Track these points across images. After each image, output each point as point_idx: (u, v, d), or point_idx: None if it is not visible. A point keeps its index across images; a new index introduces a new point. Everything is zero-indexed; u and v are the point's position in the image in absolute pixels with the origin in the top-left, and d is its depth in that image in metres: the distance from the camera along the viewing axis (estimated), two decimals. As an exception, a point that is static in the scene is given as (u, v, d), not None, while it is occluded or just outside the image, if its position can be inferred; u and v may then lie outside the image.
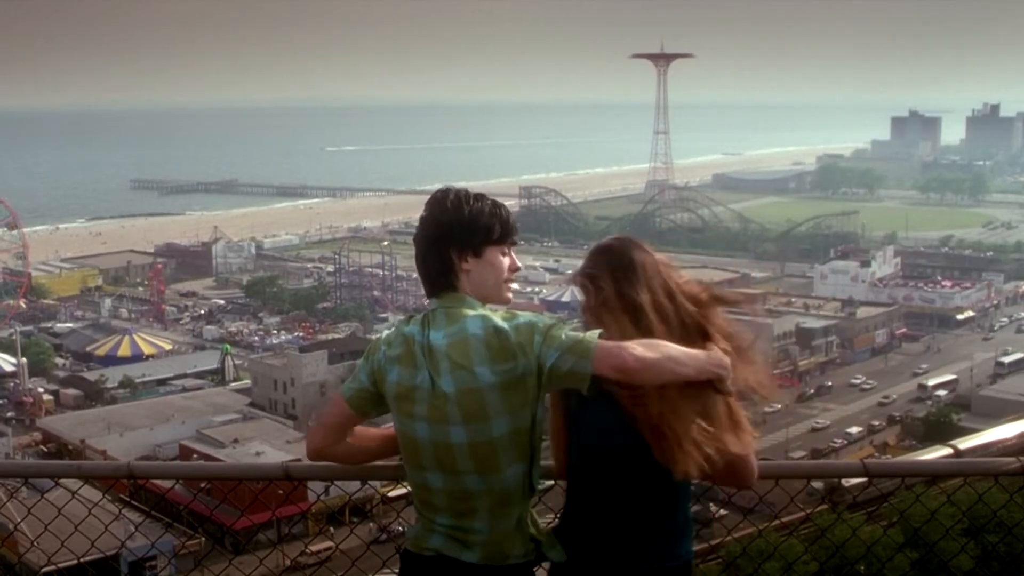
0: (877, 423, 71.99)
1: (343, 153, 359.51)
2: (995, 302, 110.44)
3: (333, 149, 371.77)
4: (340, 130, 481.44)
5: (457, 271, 3.24)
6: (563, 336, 3.10)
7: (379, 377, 3.30)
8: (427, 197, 3.34)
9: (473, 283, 3.25)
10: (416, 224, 3.34)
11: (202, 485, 36.07)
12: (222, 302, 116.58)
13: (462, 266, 3.23)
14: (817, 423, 72.97)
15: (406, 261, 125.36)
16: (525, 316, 3.17)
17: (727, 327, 3.36)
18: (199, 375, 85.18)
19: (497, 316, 3.17)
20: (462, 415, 3.12)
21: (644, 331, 3.19)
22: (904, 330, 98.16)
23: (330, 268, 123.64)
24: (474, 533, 3.22)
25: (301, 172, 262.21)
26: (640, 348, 3.05)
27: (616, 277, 3.30)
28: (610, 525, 3.24)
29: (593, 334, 3.11)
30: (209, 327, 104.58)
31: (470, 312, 3.18)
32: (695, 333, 3.26)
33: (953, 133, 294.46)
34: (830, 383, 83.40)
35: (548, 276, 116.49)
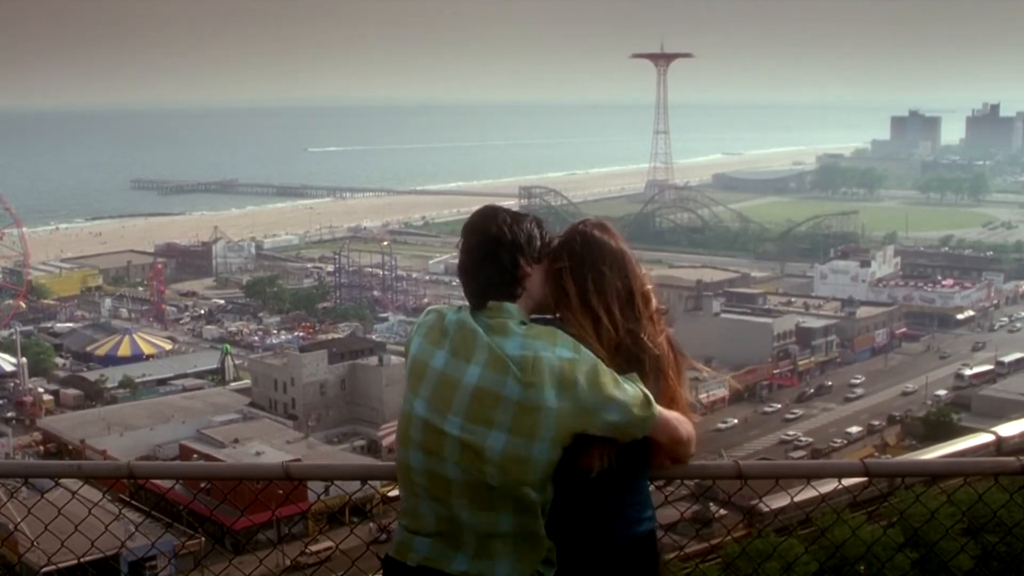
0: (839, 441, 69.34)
1: (331, 153, 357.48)
2: (995, 302, 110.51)
3: (316, 149, 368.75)
4: (340, 130, 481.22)
5: (521, 278, 3.28)
6: (620, 390, 3.16)
7: (407, 344, 3.42)
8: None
9: (532, 289, 3.32)
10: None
11: (202, 485, 36.09)
12: (222, 302, 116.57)
13: (526, 271, 3.29)
14: (908, 387, 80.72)
15: (406, 261, 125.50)
16: (567, 347, 3.16)
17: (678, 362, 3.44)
18: (199, 375, 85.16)
19: (540, 339, 3.16)
20: (466, 411, 3.13)
21: (602, 336, 3.28)
22: (904, 330, 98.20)
23: (330, 268, 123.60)
24: (461, 525, 3.17)
25: (302, 172, 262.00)
26: (687, 424, 3.37)
27: (579, 276, 3.33)
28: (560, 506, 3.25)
29: (648, 397, 3.21)
30: (209, 327, 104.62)
31: (514, 328, 3.19)
32: (633, 351, 3.32)
33: (953, 133, 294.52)
34: (830, 383, 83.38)
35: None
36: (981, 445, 51.30)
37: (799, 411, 76.20)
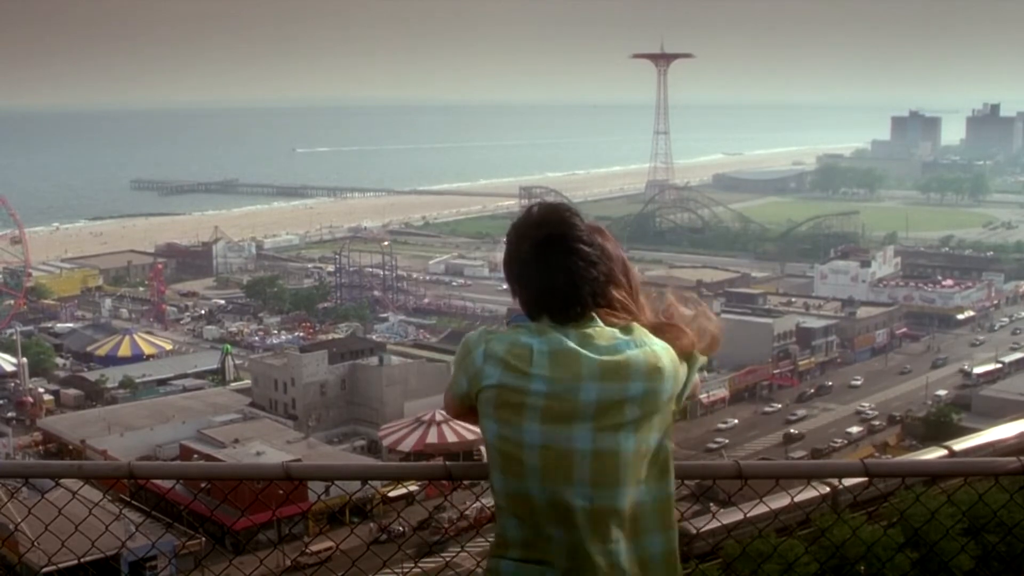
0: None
1: (319, 154, 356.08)
2: (995, 302, 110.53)
3: (303, 150, 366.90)
4: (339, 130, 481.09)
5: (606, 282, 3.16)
6: (694, 355, 3.18)
7: (473, 374, 3.10)
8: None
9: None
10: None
11: (202, 485, 36.09)
12: (222, 302, 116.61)
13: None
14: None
15: (406, 261, 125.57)
16: (650, 335, 3.09)
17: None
18: (199, 375, 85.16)
19: (635, 334, 3.07)
20: (595, 421, 2.95)
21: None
22: (905, 330, 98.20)
23: (330, 268, 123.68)
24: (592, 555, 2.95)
25: (291, 173, 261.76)
26: (713, 318, 3.29)
27: (606, 267, 3.29)
28: None
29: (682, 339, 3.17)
30: (209, 327, 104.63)
31: (618, 334, 3.05)
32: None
33: (953, 133, 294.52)
34: (830, 383, 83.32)
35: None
36: None
37: (723, 440, 68.67)
